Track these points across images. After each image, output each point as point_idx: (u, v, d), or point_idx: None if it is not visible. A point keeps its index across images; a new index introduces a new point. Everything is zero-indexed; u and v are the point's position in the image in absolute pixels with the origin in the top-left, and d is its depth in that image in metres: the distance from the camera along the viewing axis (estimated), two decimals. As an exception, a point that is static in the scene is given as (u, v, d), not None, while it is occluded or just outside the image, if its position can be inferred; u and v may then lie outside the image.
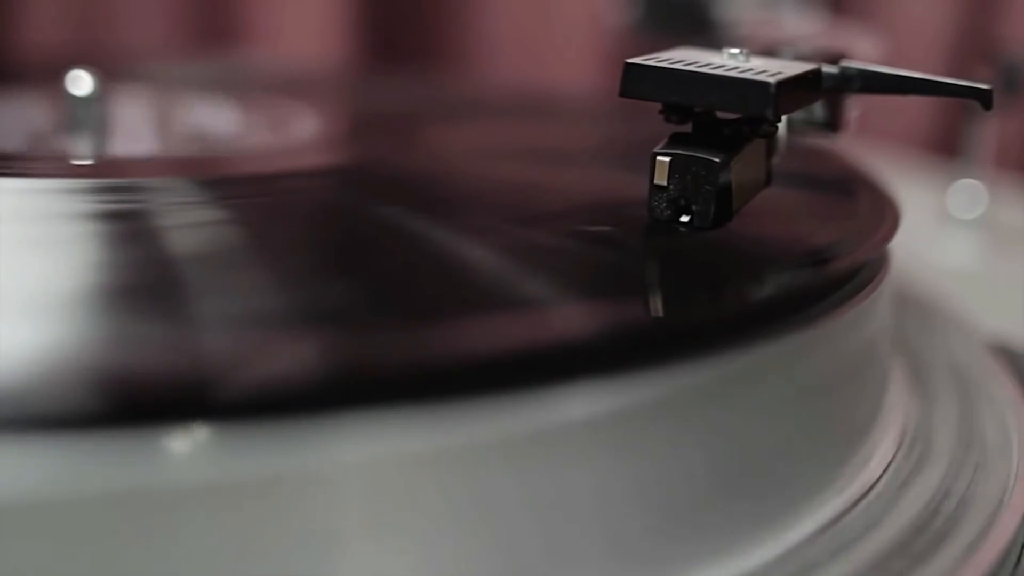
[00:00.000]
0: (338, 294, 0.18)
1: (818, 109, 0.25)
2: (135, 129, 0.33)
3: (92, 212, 0.23)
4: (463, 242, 0.21)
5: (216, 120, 0.35)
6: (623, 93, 0.21)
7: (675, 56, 0.21)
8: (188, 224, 0.22)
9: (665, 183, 0.21)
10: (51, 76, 0.32)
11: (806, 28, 0.37)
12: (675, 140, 0.21)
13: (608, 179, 0.28)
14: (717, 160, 0.20)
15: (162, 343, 0.15)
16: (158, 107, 0.37)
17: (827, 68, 0.22)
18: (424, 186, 0.27)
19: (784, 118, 0.23)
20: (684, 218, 0.21)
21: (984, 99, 0.21)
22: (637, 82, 0.21)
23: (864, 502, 0.19)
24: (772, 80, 0.20)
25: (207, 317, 0.17)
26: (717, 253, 0.21)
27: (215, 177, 0.27)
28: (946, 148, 0.57)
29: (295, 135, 0.33)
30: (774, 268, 0.21)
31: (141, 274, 0.19)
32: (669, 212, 0.21)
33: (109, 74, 0.32)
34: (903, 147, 0.60)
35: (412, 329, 0.16)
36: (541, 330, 0.17)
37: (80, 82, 0.31)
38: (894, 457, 0.21)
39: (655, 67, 0.21)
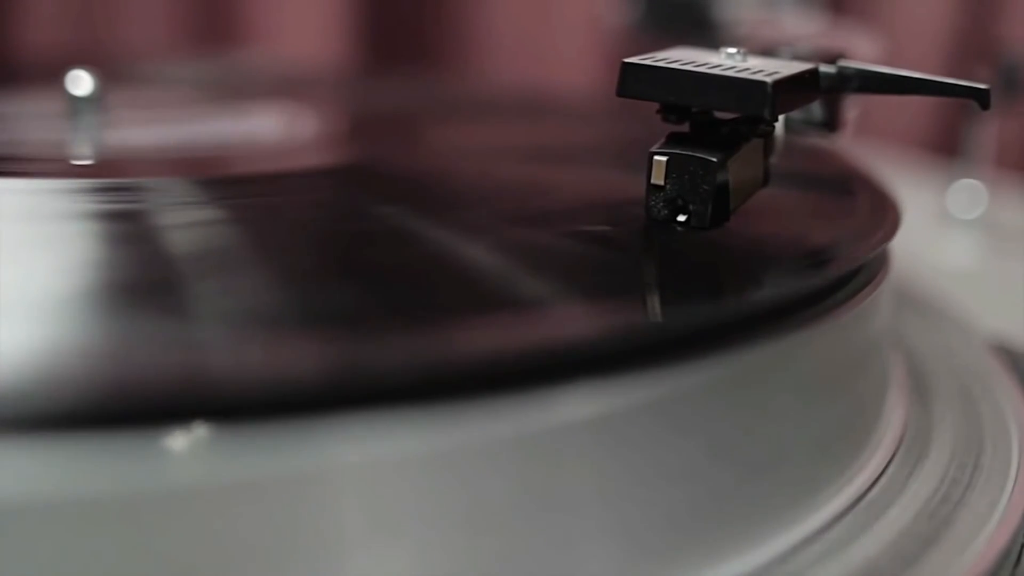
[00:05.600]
0: (338, 294, 0.18)
1: (816, 109, 0.25)
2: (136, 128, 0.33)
3: (92, 212, 0.23)
4: (463, 242, 0.21)
5: (218, 120, 0.35)
6: (620, 93, 0.21)
7: (672, 56, 0.21)
8: (188, 224, 0.22)
9: (662, 183, 0.21)
10: (51, 76, 0.32)
11: (806, 28, 0.37)
12: (672, 140, 0.21)
13: (607, 179, 0.28)
14: (714, 160, 0.20)
15: (162, 343, 0.15)
16: (159, 106, 0.37)
17: (825, 68, 0.22)
18: (424, 186, 0.27)
19: (782, 118, 0.23)
20: (681, 218, 0.21)
21: (981, 99, 0.21)
22: (634, 82, 0.21)
23: (864, 502, 0.19)
24: (769, 80, 0.20)
25: (208, 317, 0.17)
26: (715, 253, 0.21)
27: (215, 177, 0.27)
28: (946, 148, 0.57)
29: (295, 135, 0.33)
30: (773, 268, 0.21)
31: (141, 274, 0.19)
32: (666, 212, 0.21)
33: (109, 74, 0.32)
34: (903, 147, 0.60)
35: (412, 329, 0.16)
36: (539, 330, 0.17)
37: (80, 82, 0.31)
38: (894, 456, 0.21)
39: (652, 67, 0.21)
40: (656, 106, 0.21)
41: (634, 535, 0.16)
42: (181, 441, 0.14)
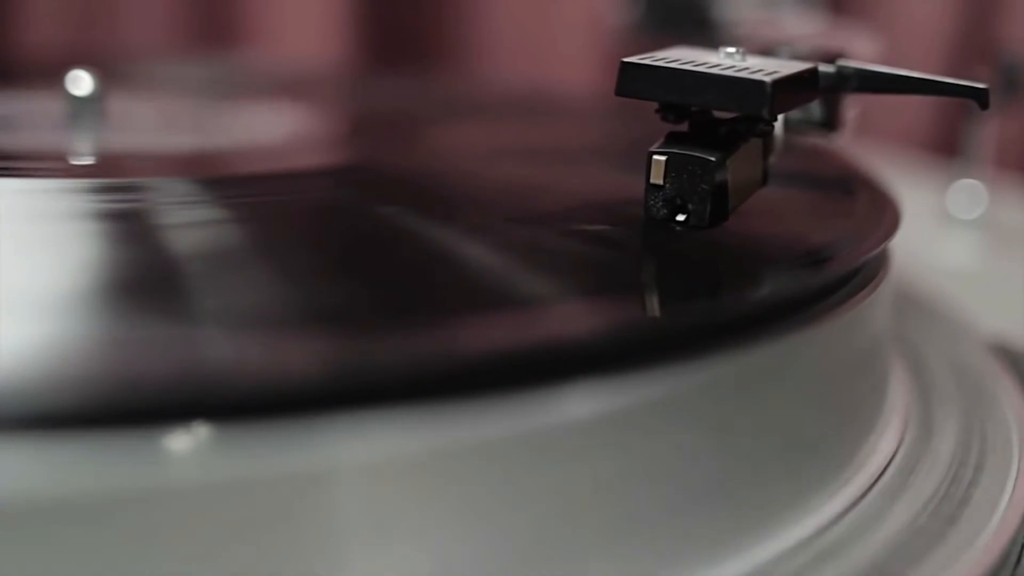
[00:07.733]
0: (338, 294, 0.18)
1: (816, 108, 0.25)
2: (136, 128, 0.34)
3: (92, 212, 0.23)
4: (463, 241, 0.21)
5: (218, 120, 0.35)
6: (619, 92, 0.21)
7: (671, 55, 0.21)
8: (188, 224, 0.22)
9: (661, 182, 0.21)
10: (51, 76, 0.32)
11: (806, 28, 0.37)
12: (671, 139, 0.21)
13: (606, 178, 0.28)
14: (713, 159, 0.20)
15: (162, 342, 0.15)
16: (160, 106, 0.37)
17: (824, 67, 0.22)
18: (424, 185, 0.27)
19: (781, 117, 0.23)
20: (680, 217, 0.21)
21: (981, 98, 0.21)
22: (633, 81, 0.21)
23: (864, 501, 0.19)
24: (768, 79, 0.20)
25: (208, 317, 0.17)
26: (715, 253, 0.21)
27: (215, 176, 0.27)
28: (946, 148, 0.57)
29: (295, 135, 0.33)
30: (773, 267, 0.21)
31: (141, 274, 0.19)
32: (665, 211, 0.21)
33: (109, 74, 0.32)
34: (903, 147, 0.60)
35: (412, 329, 0.16)
36: (539, 330, 0.17)
37: (80, 82, 0.31)
38: (894, 456, 0.21)
39: (651, 66, 0.21)
40: (655, 105, 0.21)
41: (634, 534, 0.16)
42: (181, 440, 0.14)
